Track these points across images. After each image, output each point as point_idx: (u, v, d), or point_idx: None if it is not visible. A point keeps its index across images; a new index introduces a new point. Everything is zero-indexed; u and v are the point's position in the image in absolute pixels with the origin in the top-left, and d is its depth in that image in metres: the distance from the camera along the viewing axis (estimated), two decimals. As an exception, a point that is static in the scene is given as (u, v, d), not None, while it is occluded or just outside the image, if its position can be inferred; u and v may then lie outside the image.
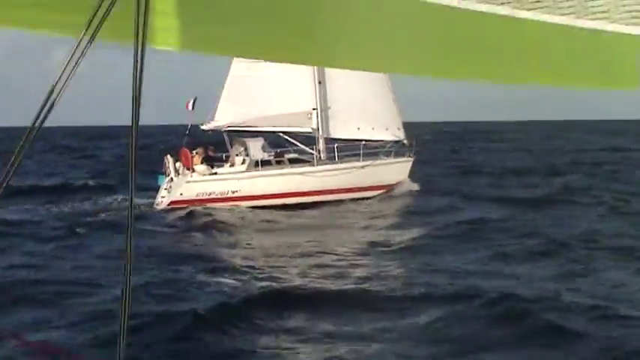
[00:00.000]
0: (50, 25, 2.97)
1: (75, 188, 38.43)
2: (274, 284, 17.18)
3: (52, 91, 2.44)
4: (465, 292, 15.81)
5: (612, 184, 36.39)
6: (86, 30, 2.43)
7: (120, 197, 31.81)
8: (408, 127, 34.12)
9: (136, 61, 2.47)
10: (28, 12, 2.95)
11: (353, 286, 16.86)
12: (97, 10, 2.42)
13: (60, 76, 2.43)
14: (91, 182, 41.37)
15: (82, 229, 24.83)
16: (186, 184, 29.98)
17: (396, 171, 32.24)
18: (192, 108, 31.54)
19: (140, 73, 2.46)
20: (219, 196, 30.35)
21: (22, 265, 19.02)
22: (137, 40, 2.45)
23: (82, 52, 2.47)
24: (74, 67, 2.44)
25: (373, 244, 21.99)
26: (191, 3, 3.17)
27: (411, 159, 32.17)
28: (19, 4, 2.90)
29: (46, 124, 2.55)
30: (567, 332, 13.92)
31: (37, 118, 2.43)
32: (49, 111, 2.45)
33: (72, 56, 2.43)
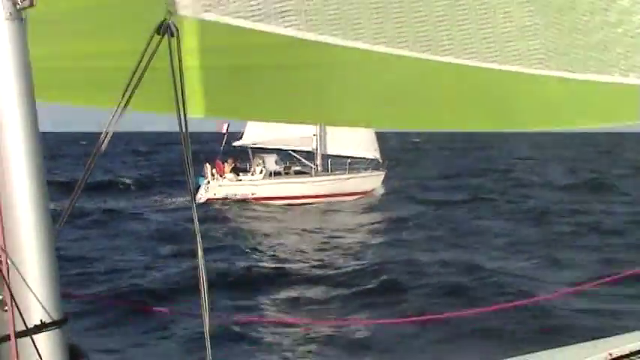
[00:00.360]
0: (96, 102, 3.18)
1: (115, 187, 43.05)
2: (271, 257, 23.20)
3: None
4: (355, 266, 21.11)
5: (510, 188, 41.34)
6: (125, 100, 2.36)
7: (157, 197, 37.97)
8: (384, 138, 39.92)
9: (181, 130, 2.45)
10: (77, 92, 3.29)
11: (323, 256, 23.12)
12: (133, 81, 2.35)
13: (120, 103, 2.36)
14: (127, 181, 46.34)
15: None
16: (218, 186, 36.61)
17: (371, 181, 39.02)
18: (227, 131, 37.60)
19: (187, 139, 2.43)
20: (241, 197, 36.50)
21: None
22: (179, 110, 2.39)
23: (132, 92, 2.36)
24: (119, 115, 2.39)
25: (344, 225, 30.13)
26: (219, 79, 3.46)
27: (383, 172, 39.11)
28: (66, 85, 3.22)
29: (123, 129, 2.61)
30: (399, 289, 17.67)
31: (109, 124, 2.41)
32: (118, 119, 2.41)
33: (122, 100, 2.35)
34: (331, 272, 20.76)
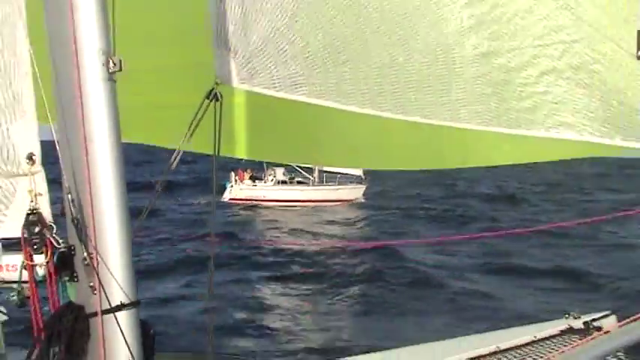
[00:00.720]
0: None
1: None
2: (271, 241, 24.68)
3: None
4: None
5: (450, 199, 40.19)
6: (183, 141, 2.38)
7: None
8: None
9: (214, 160, 2.51)
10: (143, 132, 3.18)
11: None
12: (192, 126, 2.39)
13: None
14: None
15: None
16: (239, 190, 37.17)
17: (355, 192, 39.15)
18: None
19: (215, 170, 2.57)
20: (255, 198, 37.14)
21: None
22: (215, 149, 2.42)
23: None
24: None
25: (330, 221, 30.82)
26: (253, 126, 3.37)
27: (364, 186, 39.12)
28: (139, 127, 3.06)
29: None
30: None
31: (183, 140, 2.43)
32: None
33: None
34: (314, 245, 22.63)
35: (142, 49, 2.75)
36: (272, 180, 38.71)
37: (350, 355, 4.32)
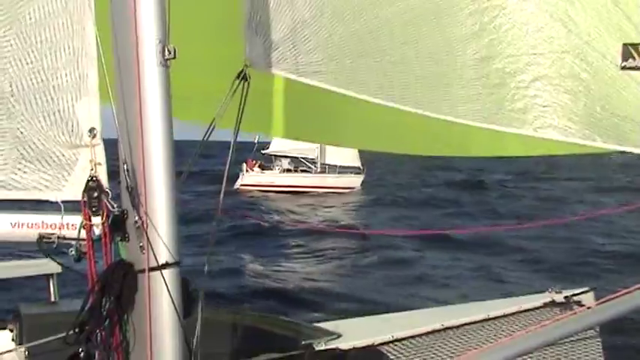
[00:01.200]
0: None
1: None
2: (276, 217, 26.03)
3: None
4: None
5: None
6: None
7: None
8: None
9: (234, 140, 2.50)
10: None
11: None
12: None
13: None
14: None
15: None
16: (249, 177, 37.40)
17: (354, 180, 39.31)
18: (257, 140, 37.75)
19: (233, 147, 2.52)
20: (264, 184, 37.30)
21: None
22: (236, 125, 2.41)
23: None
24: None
25: (329, 205, 31.22)
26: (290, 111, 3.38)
27: (362, 175, 39.28)
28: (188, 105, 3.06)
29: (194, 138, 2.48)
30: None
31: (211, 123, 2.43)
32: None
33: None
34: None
35: (192, 38, 2.79)
36: (279, 169, 39.24)
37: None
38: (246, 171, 37.90)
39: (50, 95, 2.46)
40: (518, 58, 2.56)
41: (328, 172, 39.75)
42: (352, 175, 39.74)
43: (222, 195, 2.55)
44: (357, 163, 40.10)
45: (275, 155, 39.79)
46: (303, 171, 39.73)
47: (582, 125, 2.55)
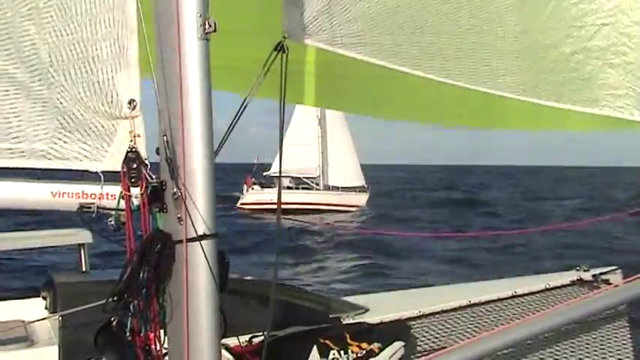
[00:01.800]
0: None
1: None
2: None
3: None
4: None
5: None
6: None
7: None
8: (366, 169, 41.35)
9: (280, 114, 2.55)
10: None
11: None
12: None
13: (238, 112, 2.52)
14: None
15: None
16: (250, 195, 37.59)
17: (360, 198, 39.31)
18: (257, 160, 39.80)
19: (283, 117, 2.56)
20: (263, 202, 36.26)
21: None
22: (281, 98, 2.43)
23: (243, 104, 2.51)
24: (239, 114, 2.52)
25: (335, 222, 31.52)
26: (324, 81, 3.45)
27: (367, 194, 39.34)
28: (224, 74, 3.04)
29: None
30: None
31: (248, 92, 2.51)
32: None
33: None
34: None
35: (231, 12, 2.80)
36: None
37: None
38: (246, 190, 38.02)
39: (90, 66, 2.50)
40: (557, 31, 2.60)
41: (331, 190, 39.79)
42: (356, 193, 39.73)
43: (279, 204, 2.72)
44: (361, 182, 40.23)
45: (276, 176, 39.76)
46: (304, 188, 39.63)
47: (621, 99, 2.59)
